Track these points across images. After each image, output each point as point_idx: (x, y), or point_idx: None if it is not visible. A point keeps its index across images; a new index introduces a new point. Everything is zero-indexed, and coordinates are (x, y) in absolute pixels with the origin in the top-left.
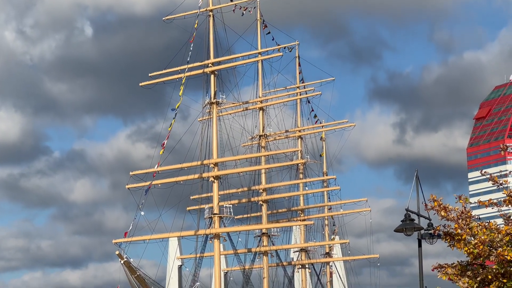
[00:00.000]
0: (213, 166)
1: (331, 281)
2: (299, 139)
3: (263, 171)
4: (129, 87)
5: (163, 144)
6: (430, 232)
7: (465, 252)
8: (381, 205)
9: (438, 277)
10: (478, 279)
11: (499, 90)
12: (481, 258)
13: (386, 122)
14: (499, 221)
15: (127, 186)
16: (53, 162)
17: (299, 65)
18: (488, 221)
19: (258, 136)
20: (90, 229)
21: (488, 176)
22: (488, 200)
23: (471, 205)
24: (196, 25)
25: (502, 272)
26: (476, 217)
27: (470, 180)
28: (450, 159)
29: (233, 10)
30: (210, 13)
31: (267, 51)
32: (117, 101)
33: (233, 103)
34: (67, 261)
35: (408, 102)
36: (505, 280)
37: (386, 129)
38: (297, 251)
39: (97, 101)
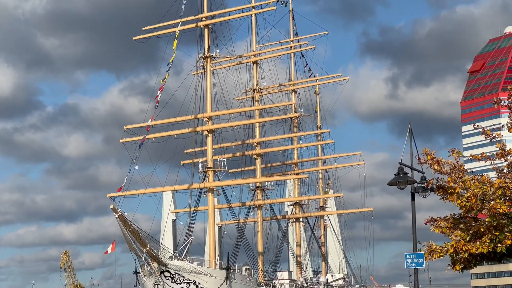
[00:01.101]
0: (207, 120)
1: (325, 235)
2: (293, 93)
3: (257, 124)
4: (122, 42)
5: (156, 97)
6: (423, 185)
7: (458, 205)
8: (374, 159)
9: (431, 230)
10: (470, 232)
11: (493, 43)
12: (474, 211)
13: (378, 77)
14: (492, 174)
15: (121, 140)
16: (46, 116)
17: (293, 19)
18: (480, 174)
19: (252, 90)
20: (84, 183)
21: (481, 129)
22: (481, 154)
23: (464, 158)
24: None
25: (494, 225)
26: (469, 170)
27: (463, 133)
28: (443, 113)
29: None
30: None
31: (261, 5)
32: (110, 56)
33: (227, 57)
34: (62, 215)
35: (401, 56)
36: (497, 233)
37: (379, 84)
38: (291, 205)
39: (90, 55)
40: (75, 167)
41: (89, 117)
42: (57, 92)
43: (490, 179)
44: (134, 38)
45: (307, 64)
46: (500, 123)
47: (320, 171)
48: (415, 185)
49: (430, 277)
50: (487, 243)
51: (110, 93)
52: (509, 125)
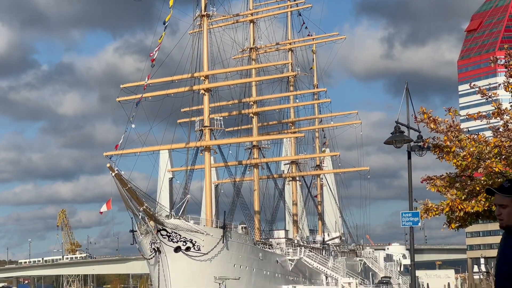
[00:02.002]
0: (203, 78)
1: (321, 194)
2: (290, 52)
3: (253, 83)
4: (118, 0)
5: (152, 54)
6: (420, 144)
7: (454, 164)
8: (370, 118)
9: (427, 189)
10: (466, 190)
11: (490, 2)
12: (470, 170)
13: (374, 36)
14: (488, 133)
15: (117, 99)
16: (41, 75)
17: None
18: (476, 133)
19: (248, 49)
20: (80, 142)
21: (477, 89)
22: (477, 113)
23: (460, 117)
24: None
25: (489, 183)
26: (465, 129)
27: (460, 93)
28: (439, 73)
29: None
30: None
31: None
32: (106, 15)
33: (224, 16)
34: (58, 174)
35: (396, 16)
36: None
37: (374, 43)
38: (287, 164)
39: (85, 14)
40: (71, 126)
41: (84, 76)
42: (52, 50)
43: (486, 138)
44: None
45: (304, 23)
46: (496, 82)
47: (316, 130)
48: (412, 144)
49: (425, 236)
50: (483, 202)
51: (105, 52)
52: (506, 84)
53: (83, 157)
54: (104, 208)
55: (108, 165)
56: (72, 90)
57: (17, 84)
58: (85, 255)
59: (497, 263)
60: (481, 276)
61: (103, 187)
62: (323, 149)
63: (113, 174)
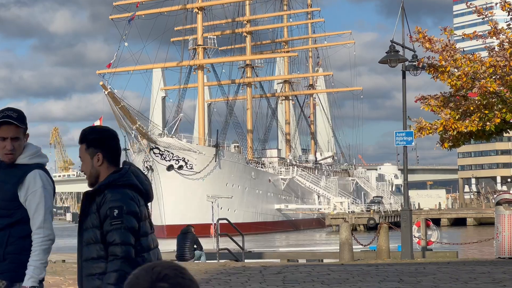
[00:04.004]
0: None
1: (314, 113)
2: None
3: (247, 2)
4: None
5: None
6: (414, 64)
7: (448, 84)
8: (363, 38)
9: (421, 108)
10: (460, 110)
11: None
12: (464, 90)
13: None
14: (484, 53)
15: (110, 17)
16: None
17: None
18: (472, 53)
19: None
20: (72, 60)
21: (474, 8)
22: (473, 32)
23: (456, 37)
24: None
25: (484, 103)
26: (461, 49)
27: (455, 12)
28: None
29: None
30: None
31: None
32: None
33: None
34: (50, 92)
35: None
36: (486, 111)
37: None
38: (280, 83)
39: None
40: (62, 44)
41: None
42: None
43: (481, 58)
44: None
45: None
46: (492, 2)
47: (310, 49)
48: (406, 63)
49: (417, 156)
50: (476, 121)
51: None
52: (502, 3)
53: (75, 75)
54: (96, 125)
55: (101, 83)
56: (62, 8)
57: (6, 1)
58: (78, 172)
59: None
60: (472, 196)
61: (95, 106)
62: (316, 69)
63: (106, 92)
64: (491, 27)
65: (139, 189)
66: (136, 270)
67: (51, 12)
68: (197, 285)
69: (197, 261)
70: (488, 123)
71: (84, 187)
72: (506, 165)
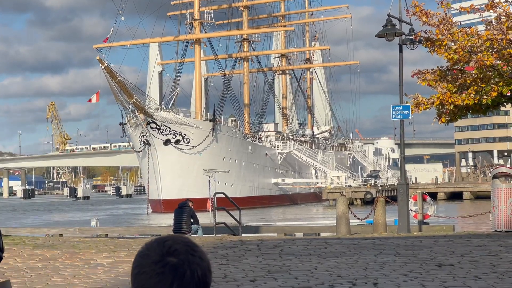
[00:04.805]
0: None
1: (311, 87)
2: None
3: None
4: None
5: None
6: (411, 37)
7: (445, 58)
8: (359, 13)
9: (418, 83)
10: (457, 84)
11: None
12: (461, 64)
13: None
14: (481, 27)
15: None
16: None
17: None
18: (469, 27)
19: None
20: (68, 35)
21: None
22: (470, 6)
23: (453, 11)
24: None
25: (480, 77)
26: (458, 23)
27: None
28: None
29: None
30: None
31: None
32: None
33: None
34: (46, 67)
35: None
36: (483, 85)
37: None
38: (277, 57)
39: None
40: (58, 19)
41: None
42: None
43: (478, 31)
44: None
45: None
46: None
47: (306, 23)
48: (403, 37)
49: (414, 130)
50: (473, 95)
51: None
52: None
53: (71, 50)
54: (93, 99)
55: (97, 57)
56: None
57: None
58: (75, 147)
59: None
60: (469, 170)
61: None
62: (313, 43)
63: (102, 67)
64: (488, 1)
65: None
66: (149, 241)
67: None
68: (208, 264)
69: (194, 235)
70: (485, 97)
71: (80, 162)
72: (502, 139)
